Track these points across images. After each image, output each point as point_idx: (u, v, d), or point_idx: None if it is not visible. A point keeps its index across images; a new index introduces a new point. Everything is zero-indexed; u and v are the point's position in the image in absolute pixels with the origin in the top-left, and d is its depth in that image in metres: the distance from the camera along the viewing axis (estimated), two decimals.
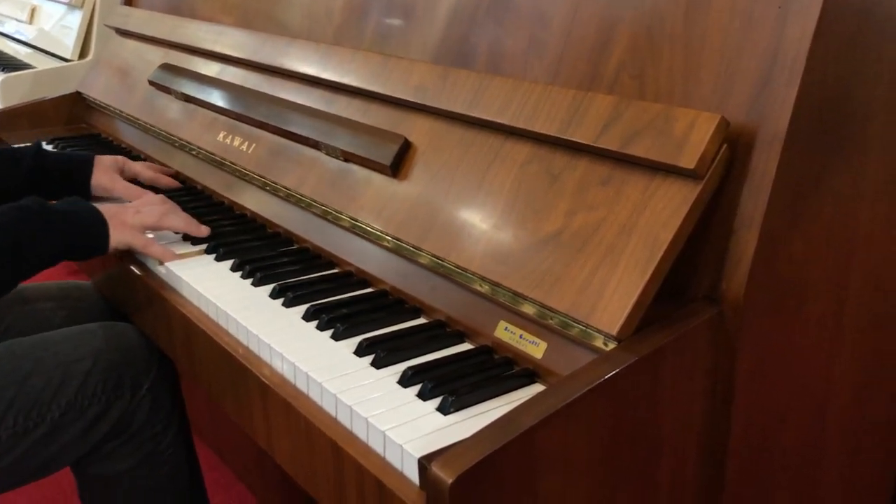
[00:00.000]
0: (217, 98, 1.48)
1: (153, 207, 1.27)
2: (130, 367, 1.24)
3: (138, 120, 1.72)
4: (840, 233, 0.88)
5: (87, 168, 1.47)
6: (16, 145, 1.45)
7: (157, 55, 1.77)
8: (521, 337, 0.90)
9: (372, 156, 1.11)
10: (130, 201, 1.36)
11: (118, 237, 1.20)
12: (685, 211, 0.79)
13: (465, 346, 0.96)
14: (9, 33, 3.13)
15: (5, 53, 2.98)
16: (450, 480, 0.65)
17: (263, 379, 0.94)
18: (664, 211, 0.80)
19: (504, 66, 1.05)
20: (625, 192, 0.84)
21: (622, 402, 0.76)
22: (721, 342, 0.82)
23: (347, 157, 1.17)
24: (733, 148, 0.80)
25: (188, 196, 1.48)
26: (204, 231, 1.28)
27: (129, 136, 1.81)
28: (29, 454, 1.16)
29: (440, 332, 0.98)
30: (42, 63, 2.69)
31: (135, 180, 1.51)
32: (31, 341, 1.22)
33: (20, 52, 2.94)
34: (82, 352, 1.22)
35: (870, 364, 0.98)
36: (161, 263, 1.21)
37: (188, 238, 1.27)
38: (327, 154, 1.21)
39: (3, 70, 2.64)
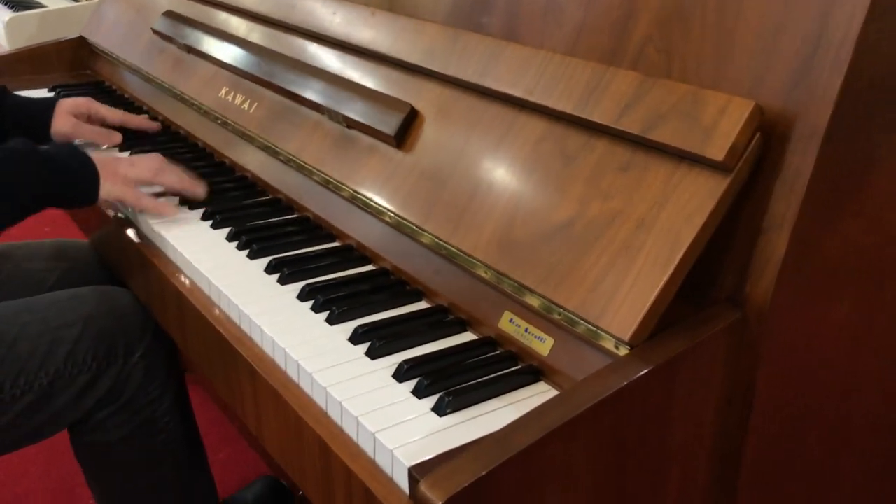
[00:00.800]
0: (220, 52, 1.40)
1: (149, 161, 1.21)
2: (123, 334, 1.20)
3: (141, 70, 1.65)
4: (881, 233, 0.80)
5: (46, 114, 1.40)
6: None
7: (163, 3, 1.69)
8: (526, 331, 0.84)
9: (375, 124, 1.04)
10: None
11: (109, 188, 1.15)
12: (711, 206, 0.72)
13: (467, 337, 0.90)
14: None
15: None
16: (440, 502, 0.60)
17: (252, 363, 0.89)
18: (688, 205, 0.73)
19: (520, 31, 0.97)
20: (645, 180, 0.77)
21: (631, 417, 0.70)
22: (742, 349, 0.75)
23: (350, 124, 1.10)
24: (767, 139, 0.73)
25: (190, 153, 1.42)
26: (200, 190, 1.21)
27: (133, 86, 1.74)
28: (19, 421, 1.13)
29: (441, 318, 0.92)
30: (51, 1, 2.61)
31: (104, 124, 1.45)
32: (18, 305, 1.18)
33: None
34: (72, 317, 1.17)
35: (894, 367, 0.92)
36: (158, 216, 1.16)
37: (186, 202, 1.21)
38: (330, 119, 1.14)
39: (11, 8, 2.56)
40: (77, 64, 1.96)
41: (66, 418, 1.19)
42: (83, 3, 2.45)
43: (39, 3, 2.62)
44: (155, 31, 1.62)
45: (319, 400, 0.81)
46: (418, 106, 1.02)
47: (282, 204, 1.22)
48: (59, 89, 1.79)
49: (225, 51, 1.38)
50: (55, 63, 1.93)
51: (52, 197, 1.12)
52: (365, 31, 1.13)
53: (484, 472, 0.61)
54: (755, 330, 0.75)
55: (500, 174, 0.89)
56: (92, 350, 1.16)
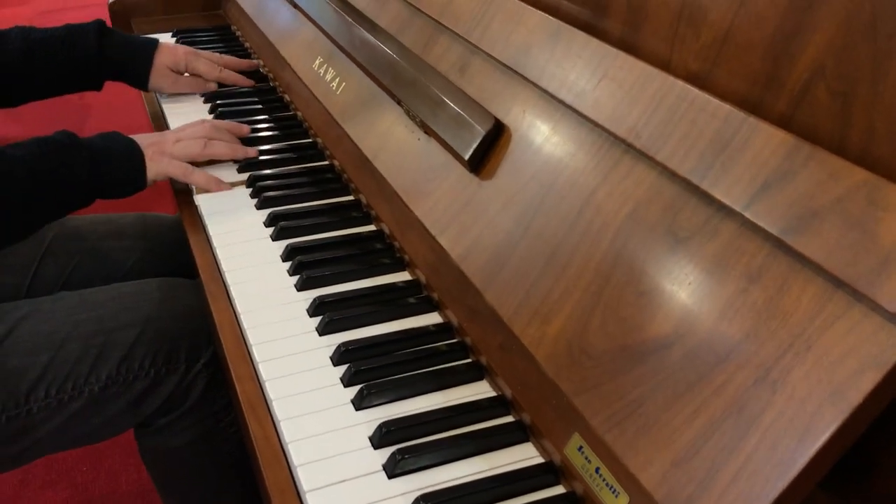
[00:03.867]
0: (318, 14, 1.20)
1: (196, 133, 1.14)
2: (187, 338, 1.07)
3: (254, 21, 1.49)
4: None
5: (145, 64, 1.33)
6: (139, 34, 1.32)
7: None
8: (597, 471, 0.61)
9: (449, 139, 0.81)
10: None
11: (156, 168, 1.09)
12: (878, 377, 0.45)
13: (527, 454, 0.67)
14: None
15: None
16: None
17: (260, 453, 0.71)
18: (842, 364, 0.46)
19: (644, 32, 0.70)
20: (782, 306, 0.50)
21: None
22: None
23: (427, 131, 0.87)
24: None
25: (284, 126, 1.25)
26: (252, 152, 1.16)
27: (253, 35, 1.59)
28: (67, 427, 1.03)
29: (502, 417, 0.70)
30: None
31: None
32: (75, 298, 1.07)
33: None
34: (131, 317, 1.05)
35: None
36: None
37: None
38: (409, 117, 0.92)
39: None
40: (209, 4, 1.83)
41: (122, 424, 1.09)
42: None
43: None
44: None
45: None
46: (507, 118, 0.78)
47: (361, 208, 1.02)
48: (181, 35, 1.67)
49: (322, 14, 1.18)
50: (186, 3, 1.82)
51: (97, 189, 1.04)
52: (461, 7, 0.88)
53: None
54: None
55: (585, 242, 0.65)
56: (150, 355, 1.04)
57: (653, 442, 0.53)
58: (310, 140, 1.21)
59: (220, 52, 1.56)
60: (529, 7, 0.79)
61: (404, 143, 0.91)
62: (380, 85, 0.99)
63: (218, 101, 1.33)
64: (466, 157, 0.78)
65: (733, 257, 0.54)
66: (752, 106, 0.59)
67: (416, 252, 0.89)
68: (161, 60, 1.34)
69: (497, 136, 0.78)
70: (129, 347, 1.03)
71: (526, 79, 0.76)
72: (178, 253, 1.28)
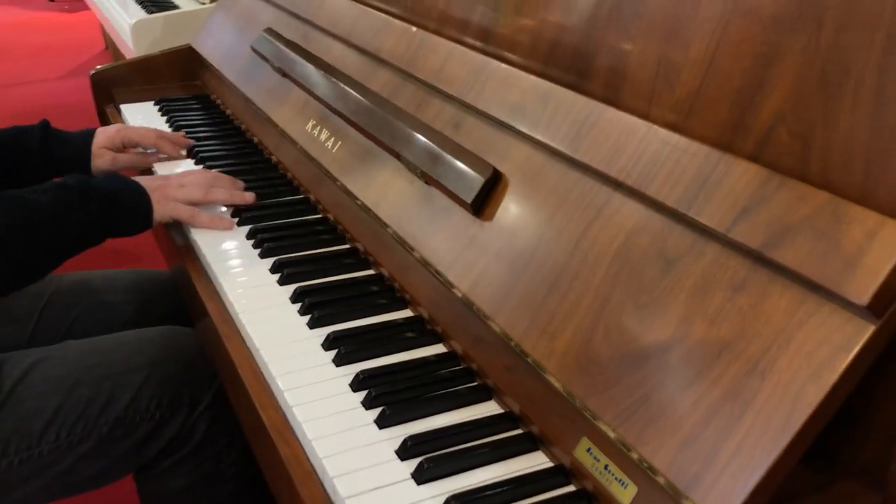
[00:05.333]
0: (311, 81, 1.30)
1: (198, 180, 1.22)
2: (189, 382, 1.13)
3: (237, 88, 1.58)
4: None
5: (84, 153, 1.40)
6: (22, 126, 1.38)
7: (268, 16, 1.61)
8: (606, 468, 0.69)
9: (453, 187, 0.90)
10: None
11: (162, 210, 1.16)
12: (847, 359, 0.54)
13: (538, 460, 0.75)
14: None
15: None
16: None
17: (289, 468, 0.78)
18: (817, 352, 0.56)
19: (624, 91, 0.81)
20: (764, 309, 0.60)
21: None
22: None
23: (428, 181, 0.97)
24: None
25: (277, 185, 1.33)
26: (249, 198, 1.24)
27: (234, 102, 1.68)
28: (75, 469, 1.07)
29: (510, 430, 0.78)
30: (184, 2, 2.61)
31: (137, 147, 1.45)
32: (84, 346, 1.13)
33: None
34: (136, 362, 1.11)
35: None
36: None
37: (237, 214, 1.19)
38: (409, 169, 1.01)
39: (145, 7, 2.58)
40: (187, 74, 1.92)
41: (126, 466, 1.13)
42: (207, 6, 2.43)
43: (173, 4, 2.63)
44: (254, 49, 1.54)
45: None
46: (503, 167, 0.88)
47: (359, 255, 1.11)
48: (163, 103, 1.75)
49: (316, 81, 1.28)
50: (165, 74, 1.90)
51: (108, 228, 1.11)
52: (455, 71, 0.99)
53: None
54: None
55: (585, 268, 0.74)
56: (156, 398, 1.10)
57: (661, 430, 0.62)
58: (301, 196, 1.29)
59: (201, 119, 1.65)
60: (521, 72, 0.90)
61: (405, 192, 1.00)
62: (377, 142, 1.09)
63: (206, 160, 1.41)
64: (470, 200, 0.87)
65: (719, 272, 0.64)
66: (722, 149, 0.70)
67: (417, 291, 0.97)
68: (97, 143, 1.40)
69: (496, 182, 0.87)
70: (136, 391, 1.08)
71: (520, 132, 0.86)
72: (172, 306, 1.34)
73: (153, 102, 1.77)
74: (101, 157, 1.40)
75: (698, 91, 0.73)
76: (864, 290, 0.53)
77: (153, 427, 1.10)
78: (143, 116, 1.68)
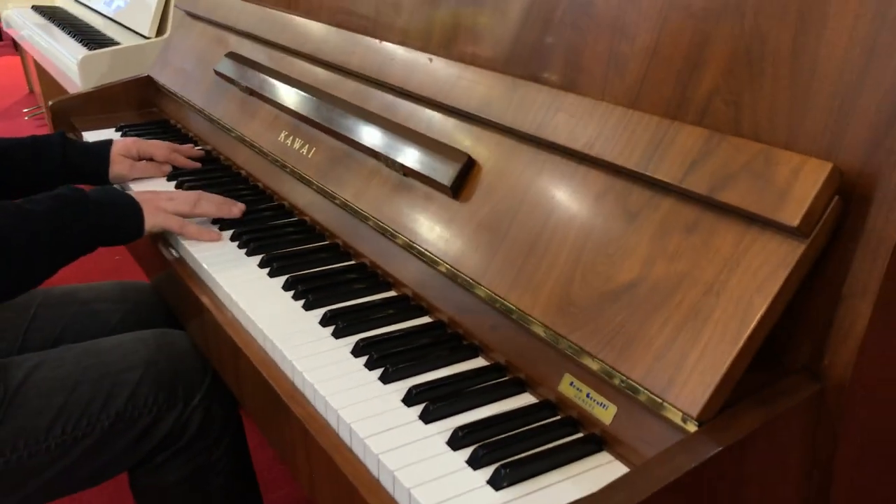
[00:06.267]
0: (280, 95, 1.40)
1: (186, 195, 1.29)
2: (182, 378, 1.20)
3: (203, 111, 1.67)
4: None
5: (103, 161, 1.49)
6: (42, 135, 1.46)
7: (226, 42, 1.71)
8: (588, 396, 0.80)
9: (431, 174, 1.02)
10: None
11: (152, 220, 1.23)
12: (785, 273, 0.67)
13: (526, 399, 0.86)
14: (93, 6, 3.13)
15: (90, 26, 2.99)
16: None
17: (305, 423, 0.87)
18: (760, 271, 0.69)
19: (580, 81, 0.94)
20: (713, 243, 0.73)
21: (701, 498, 0.65)
22: (821, 424, 0.70)
23: (407, 173, 1.08)
24: (846, 201, 0.68)
25: (251, 195, 1.42)
26: (236, 210, 1.31)
27: (196, 125, 1.77)
28: (78, 463, 1.13)
29: (499, 379, 0.89)
30: (123, 37, 2.67)
31: (152, 159, 1.54)
32: (81, 348, 1.19)
33: (104, 25, 2.94)
34: (132, 361, 1.18)
35: None
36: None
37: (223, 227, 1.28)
38: (387, 166, 1.12)
39: (86, 45, 2.63)
40: (144, 103, 2.00)
41: (125, 461, 1.20)
42: (152, 40, 2.50)
43: (112, 41, 2.69)
44: (217, 73, 1.63)
45: (372, 466, 0.79)
46: (476, 155, 1.00)
47: (339, 249, 1.21)
48: (125, 129, 1.82)
49: (286, 95, 1.38)
50: (123, 102, 1.97)
51: (103, 236, 1.17)
52: (423, 77, 1.11)
53: None
54: (835, 404, 0.70)
55: (560, 229, 0.86)
56: (153, 394, 1.17)
57: (635, 350, 0.73)
58: (275, 203, 1.38)
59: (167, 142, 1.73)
60: (486, 71, 1.02)
61: (384, 185, 1.11)
62: (352, 144, 1.19)
63: (183, 178, 1.49)
64: (449, 184, 0.98)
65: (675, 218, 0.76)
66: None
67: (400, 274, 1.08)
68: (116, 150, 1.50)
69: (470, 167, 0.99)
70: (134, 387, 1.16)
71: (490, 121, 0.98)
72: (155, 312, 1.42)
73: (114, 129, 1.84)
74: (120, 164, 1.49)
75: (645, 75, 0.86)
76: (794, 214, 0.66)
77: (151, 421, 1.17)
78: None
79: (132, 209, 1.22)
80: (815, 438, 0.70)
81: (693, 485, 0.64)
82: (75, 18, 3.19)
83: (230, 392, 1.28)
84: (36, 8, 3.55)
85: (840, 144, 0.69)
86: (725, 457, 0.65)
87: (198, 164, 1.58)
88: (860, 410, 0.70)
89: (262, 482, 1.44)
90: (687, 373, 0.69)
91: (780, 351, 0.73)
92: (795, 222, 0.66)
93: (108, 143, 1.51)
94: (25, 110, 4.76)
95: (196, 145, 1.70)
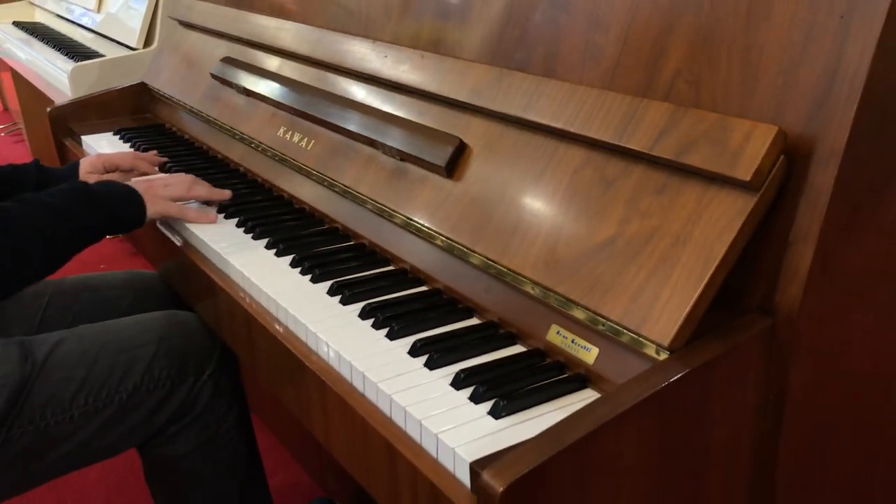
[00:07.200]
0: (277, 93, 1.51)
1: (180, 179, 1.40)
2: (193, 354, 1.30)
3: (201, 113, 1.77)
4: None
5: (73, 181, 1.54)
6: (16, 164, 1.52)
7: (220, 48, 1.81)
8: (572, 341, 0.92)
9: (427, 157, 1.13)
10: None
11: (154, 208, 1.32)
12: (740, 223, 0.79)
13: (518, 349, 0.97)
14: (76, 20, 3.21)
15: (74, 40, 3.06)
16: (501, 489, 0.67)
17: (321, 376, 0.97)
18: (719, 222, 0.80)
19: (560, 70, 1.06)
20: (679, 201, 0.84)
21: (672, 414, 0.76)
22: (774, 354, 0.82)
23: (403, 157, 1.19)
24: (791, 160, 0.80)
25: (249, 188, 1.52)
26: (227, 194, 1.42)
27: (191, 127, 1.86)
28: (99, 433, 1.22)
29: (493, 333, 1.00)
30: (107, 49, 2.75)
31: (119, 169, 1.60)
32: (99, 327, 1.28)
33: (87, 38, 3.02)
34: (147, 337, 1.27)
35: None
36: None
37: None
38: (384, 153, 1.23)
39: (72, 58, 2.71)
40: (139, 108, 2.09)
41: (140, 432, 1.28)
42: (140, 51, 2.59)
43: (97, 53, 2.77)
44: (213, 76, 1.73)
45: (384, 407, 0.89)
46: (466, 139, 1.11)
47: (339, 233, 1.31)
48: (123, 132, 1.91)
49: (282, 93, 1.49)
50: (118, 108, 2.07)
51: (108, 225, 1.26)
52: (415, 72, 1.22)
53: (539, 463, 0.68)
54: (784, 336, 0.81)
55: (545, 199, 0.97)
56: (166, 368, 1.26)
57: (614, 295, 0.85)
58: (274, 195, 1.48)
59: (163, 144, 1.82)
60: (475, 63, 1.14)
61: (382, 169, 1.22)
62: (349, 134, 1.30)
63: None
64: (443, 164, 1.10)
65: (646, 182, 0.88)
66: None
67: (398, 251, 1.18)
68: (83, 170, 1.57)
69: (462, 150, 1.10)
70: (149, 361, 1.25)
71: (480, 108, 1.10)
72: (162, 299, 1.51)
73: (112, 132, 1.93)
74: (89, 182, 1.56)
75: (618, 62, 0.98)
76: (746, 171, 0.78)
77: (165, 394, 1.26)
78: (108, 143, 1.84)
79: (133, 199, 1.30)
80: (770, 365, 0.82)
81: (665, 400, 0.75)
82: (57, 33, 3.27)
83: (237, 369, 1.38)
84: (17, 24, 3.61)
85: (784, 113, 0.81)
86: (692, 377, 0.76)
87: (155, 170, 1.64)
88: (806, 340, 0.82)
89: None
90: (659, 310, 0.81)
91: (739, 294, 0.84)
92: (748, 177, 0.78)
93: (75, 165, 1.58)
94: (1, 127, 4.80)
95: (192, 146, 1.80)
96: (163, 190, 1.36)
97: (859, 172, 0.79)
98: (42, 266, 1.19)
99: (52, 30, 3.37)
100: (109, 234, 1.31)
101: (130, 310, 1.45)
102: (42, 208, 1.19)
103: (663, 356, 0.80)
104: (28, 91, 3.79)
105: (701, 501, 0.83)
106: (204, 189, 1.41)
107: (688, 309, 0.79)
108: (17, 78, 3.77)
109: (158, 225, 1.40)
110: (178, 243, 1.36)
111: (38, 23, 3.64)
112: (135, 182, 1.35)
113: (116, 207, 1.28)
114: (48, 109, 1.99)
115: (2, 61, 3.84)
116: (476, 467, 0.76)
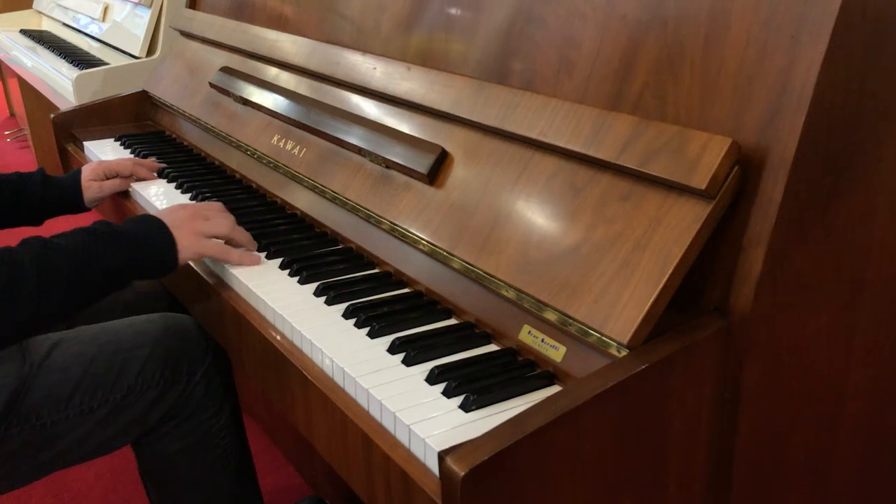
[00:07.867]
0: (272, 103, 1.56)
1: (222, 217, 1.29)
2: (186, 355, 1.34)
3: (199, 120, 1.82)
4: (852, 245, 0.91)
5: (76, 188, 1.60)
6: (22, 172, 1.57)
7: (219, 58, 1.87)
8: (542, 341, 0.96)
9: (410, 164, 1.18)
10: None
11: (192, 249, 1.22)
12: (696, 228, 0.84)
13: (491, 348, 1.02)
14: (81, 28, 3.28)
15: (79, 48, 3.13)
16: (462, 473, 0.72)
17: (304, 372, 1.02)
18: (677, 228, 0.85)
19: (536, 83, 1.11)
20: (642, 208, 0.89)
21: (630, 407, 0.81)
22: (729, 353, 0.87)
23: (388, 165, 1.24)
24: (745, 170, 0.85)
25: (244, 193, 1.57)
26: (257, 259, 1.28)
27: (190, 134, 1.92)
28: (94, 432, 1.27)
29: (469, 333, 1.05)
30: (111, 57, 2.82)
31: (119, 175, 1.64)
32: (98, 327, 1.33)
33: (92, 47, 3.08)
34: (142, 339, 1.32)
35: (885, 373, 1.02)
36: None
37: None
38: (371, 161, 1.28)
39: (77, 66, 2.78)
40: (140, 116, 2.15)
41: (134, 431, 1.33)
42: (143, 60, 2.66)
43: (102, 61, 2.84)
44: (212, 85, 1.79)
45: (362, 400, 0.94)
46: (448, 148, 1.16)
47: (327, 237, 1.36)
48: (124, 138, 1.97)
49: (277, 102, 1.54)
50: (121, 115, 2.12)
51: (135, 270, 1.19)
52: (402, 83, 1.27)
53: (500, 449, 0.73)
54: (739, 336, 0.86)
55: (519, 205, 1.02)
56: (160, 369, 1.31)
57: (579, 296, 0.90)
58: (268, 200, 1.53)
59: (163, 151, 1.88)
60: (457, 75, 1.19)
61: (369, 176, 1.27)
62: (339, 143, 1.35)
63: (177, 178, 1.64)
64: (426, 171, 1.15)
65: (612, 190, 0.93)
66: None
67: (383, 255, 1.23)
68: (85, 177, 1.61)
69: (444, 158, 1.15)
70: (144, 362, 1.30)
71: (460, 118, 1.15)
72: (159, 301, 1.57)
73: (113, 139, 1.98)
74: (90, 189, 1.61)
75: (590, 76, 1.03)
76: (702, 180, 0.83)
77: (158, 393, 1.31)
78: (111, 149, 1.90)
79: (165, 242, 1.20)
80: (725, 363, 0.87)
81: (623, 393, 0.80)
82: (63, 41, 3.33)
83: (229, 370, 1.43)
84: (24, 31, 3.69)
85: (740, 125, 0.86)
86: (649, 373, 0.81)
87: (154, 175, 1.69)
88: (759, 339, 0.87)
89: None
90: (619, 310, 0.86)
91: (697, 296, 0.89)
92: (703, 186, 0.83)
93: (77, 172, 1.62)
94: (7, 132, 4.88)
95: (191, 152, 1.86)
96: (201, 225, 1.24)
97: (809, 180, 0.84)
98: (45, 320, 1.13)
99: (58, 38, 3.44)
100: (137, 279, 1.20)
101: (127, 312, 1.50)
102: (55, 253, 1.11)
103: (624, 354, 0.85)
104: (34, 97, 3.87)
105: (660, 490, 0.87)
106: (244, 237, 1.29)
107: (646, 309, 0.84)
108: (24, 85, 3.84)
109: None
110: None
111: (45, 31, 3.72)
112: (171, 215, 1.23)
113: (145, 253, 1.18)
114: (52, 116, 2.04)
115: (9, 68, 3.92)
116: (444, 456, 0.80)
